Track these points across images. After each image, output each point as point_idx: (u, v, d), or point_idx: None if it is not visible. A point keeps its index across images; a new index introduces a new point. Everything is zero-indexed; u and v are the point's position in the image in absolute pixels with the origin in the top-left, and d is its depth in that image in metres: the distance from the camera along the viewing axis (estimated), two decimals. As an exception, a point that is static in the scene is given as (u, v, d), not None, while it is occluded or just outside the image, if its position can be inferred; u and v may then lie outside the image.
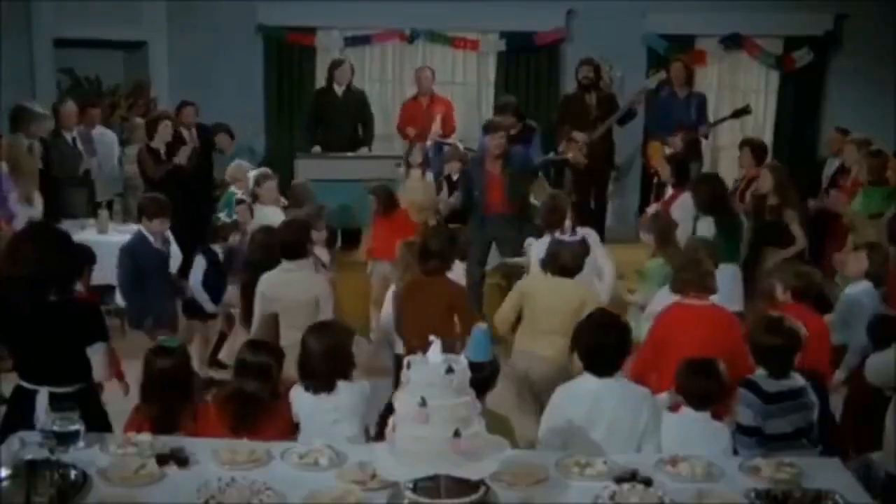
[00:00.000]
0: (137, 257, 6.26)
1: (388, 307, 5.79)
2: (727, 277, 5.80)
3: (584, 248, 5.56)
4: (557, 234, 5.73)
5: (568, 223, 5.79)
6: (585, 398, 3.91)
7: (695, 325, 4.67)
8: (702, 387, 3.97)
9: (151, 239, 6.32)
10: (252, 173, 7.62)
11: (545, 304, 5.31)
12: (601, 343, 3.96)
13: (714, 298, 4.91)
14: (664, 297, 5.17)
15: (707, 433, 3.95)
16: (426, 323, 4.99)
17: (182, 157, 8.27)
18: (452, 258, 5.65)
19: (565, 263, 5.37)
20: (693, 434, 3.92)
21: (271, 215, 6.93)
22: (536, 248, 6.28)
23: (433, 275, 5.40)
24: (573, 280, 5.38)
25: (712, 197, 6.63)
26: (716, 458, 3.69)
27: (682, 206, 6.94)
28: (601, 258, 6.25)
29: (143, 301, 6.26)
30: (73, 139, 8.39)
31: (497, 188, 7.50)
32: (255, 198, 7.35)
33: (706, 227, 6.49)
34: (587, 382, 3.96)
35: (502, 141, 7.49)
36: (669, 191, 7.44)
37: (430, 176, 8.78)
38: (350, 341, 4.22)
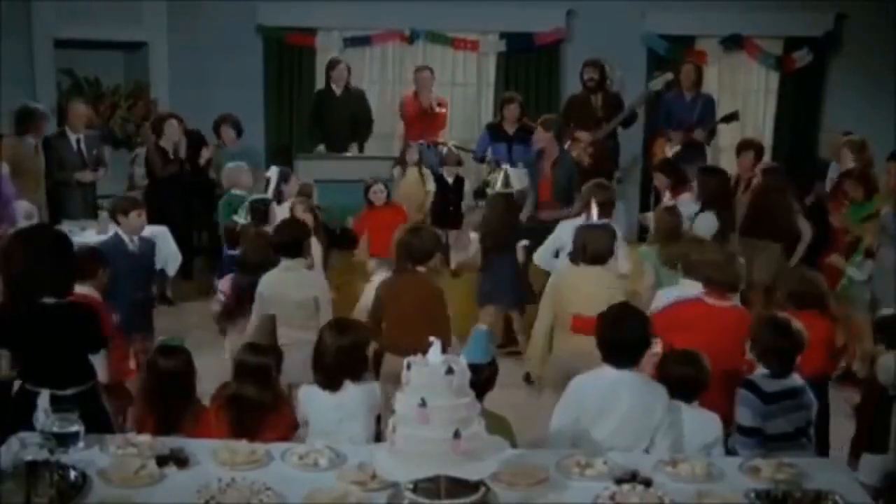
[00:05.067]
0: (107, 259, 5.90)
1: (365, 299, 5.76)
2: None
3: (612, 231, 5.43)
4: (582, 221, 5.51)
5: (595, 210, 5.56)
6: (602, 387, 3.88)
7: (715, 324, 4.58)
8: (683, 374, 3.99)
9: (126, 239, 6.14)
10: (272, 173, 7.57)
11: (584, 297, 5.06)
12: (622, 337, 3.92)
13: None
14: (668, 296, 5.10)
15: (696, 421, 3.95)
16: (405, 322, 5.01)
17: (173, 168, 8.41)
18: (423, 256, 5.49)
19: (599, 250, 5.21)
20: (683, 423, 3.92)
21: None
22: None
23: (405, 273, 5.36)
24: (603, 268, 5.23)
25: (720, 188, 6.62)
26: (716, 458, 3.70)
27: (683, 206, 6.92)
28: (622, 256, 6.07)
29: (115, 306, 5.59)
30: (78, 141, 8.26)
31: (547, 187, 7.69)
32: (279, 196, 7.32)
33: (707, 222, 6.46)
34: (605, 371, 3.92)
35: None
36: (667, 195, 7.41)
37: (427, 174, 8.77)
38: (366, 344, 4.20)
